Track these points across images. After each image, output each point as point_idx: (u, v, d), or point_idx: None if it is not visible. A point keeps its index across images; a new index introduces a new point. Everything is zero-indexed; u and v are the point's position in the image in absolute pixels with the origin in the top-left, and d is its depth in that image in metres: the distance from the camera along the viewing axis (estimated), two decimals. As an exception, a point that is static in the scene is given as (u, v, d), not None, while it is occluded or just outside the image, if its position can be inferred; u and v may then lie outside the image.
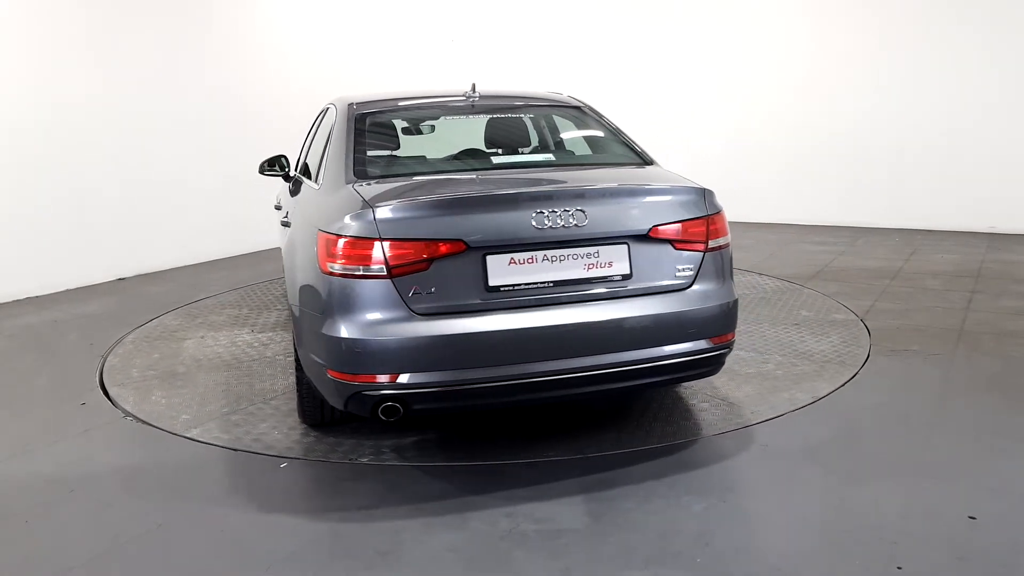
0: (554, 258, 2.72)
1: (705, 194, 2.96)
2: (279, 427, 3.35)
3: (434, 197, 2.73)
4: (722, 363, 3.03)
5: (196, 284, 6.24)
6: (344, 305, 2.62)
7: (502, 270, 2.66)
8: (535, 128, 4.12)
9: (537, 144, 4.04)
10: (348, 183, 3.00)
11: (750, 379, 3.77)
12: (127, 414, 3.54)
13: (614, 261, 2.78)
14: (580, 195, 2.79)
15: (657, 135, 9.76)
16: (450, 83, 6.70)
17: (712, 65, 9.36)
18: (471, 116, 3.74)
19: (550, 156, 3.83)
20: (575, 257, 2.74)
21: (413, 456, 3.03)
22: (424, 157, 3.57)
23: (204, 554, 2.38)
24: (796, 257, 6.97)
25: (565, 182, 3.07)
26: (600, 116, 3.80)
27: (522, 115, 4.04)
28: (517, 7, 10.33)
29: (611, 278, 2.77)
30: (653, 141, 10.03)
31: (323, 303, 2.68)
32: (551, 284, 2.71)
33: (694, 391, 3.62)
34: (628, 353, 2.75)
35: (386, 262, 2.58)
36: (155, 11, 6.75)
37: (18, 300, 5.79)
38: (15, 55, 5.77)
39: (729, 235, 3.02)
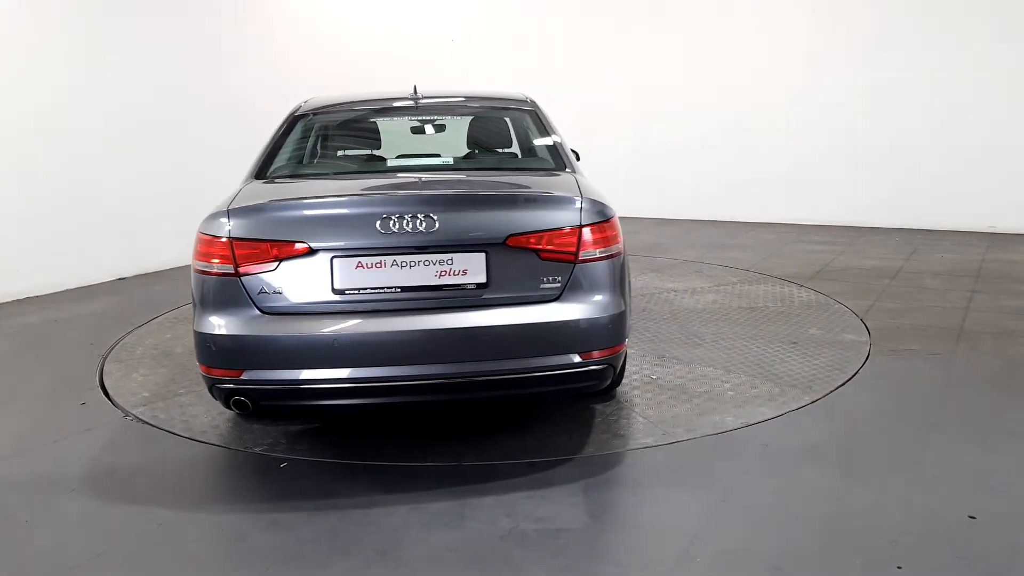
0: (404, 264, 2.70)
1: (582, 204, 2.82)
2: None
3: (282, 200, 2.84)
4: (606, 379, 2.90)
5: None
6: (202, 302, 2.75)
7: (349, 274, 2.68)
8: (466, 131, 4.04)
9: (457, 146, 3.98)
10: (244, 183, 3.17)
11: (692, 398, 3.51)
12: (127, 414, 3.54)
13: (469, 269, 2.71)
14: (429, 201, 2.76)
15: (658, 135, 9.77)
16: (443, 84, 6.69)
17: (712, 65, 9.36)
18: (409, 118, 3.85)
19: (450, 160, 3.75)
20: (426, 264, 2.70)
21: (412, 456, 3.03)
22: (334, 159, 3.62)
23: (204, 554, 2.38)
24: (796, 257, 6.97)
25: (428, 187, 3.07)
26: (540, 119, 3.71)
27: (458, 117, 4.01)
28: (517, 7, 10.33)
29: (464, 286, 2.71)
30: (654, 141, 10.06)
31: (192, 300, 2.82)
32: (399, 289, 2.69)
33: (624, 407, 3.42)
34: (485, 363, 2.68)
35: (234, 261, 2.68)
36: (159, 10, 6.75)
37: (18, 300, 5.79)
38: (15, 54, 5.77)
39: (615, 247, 2.86)
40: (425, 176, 3.35)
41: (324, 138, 3.84)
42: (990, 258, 6.79)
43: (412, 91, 3.76)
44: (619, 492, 2.77)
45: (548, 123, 3.71)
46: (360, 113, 3.97)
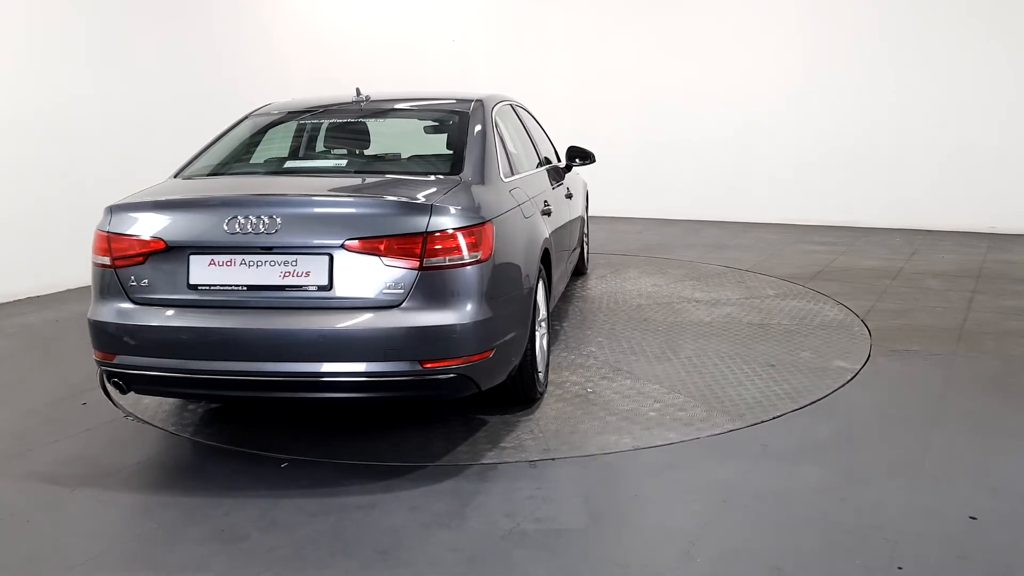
0: (251, 263, 2.79)
1: (431, 212, 2.78)
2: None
3: (149, 199, 3.00)
4: (460, 389, 2.86)
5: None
6: (93, 290, 3.02)
7: (203, 270, 2.81)
8: (390, 134, 4.05)
9: (365, 150, 3.98)
10: (164, 180, 3.41)
11: (608, 416, 3.34)
12: (128, 414, 3.54)
13: (312, 271, 2.75)
14: (271, 203, 2.83)
15: (659, 135, 9.77)
16: (441, 85, 6.67)
17: (714, 65, 9.35)
18: (347, 120, 3.93)
19: (341, 163, 3.76)
20: (272, 264, 2.77)
21: (411, 455, 3.03)
22: (246, 161, 3.69)
23: (204, 553, 2.38)
24: (797, 257, 6.97)
25: (272, 189, 3.16)
26: (468, 124, 3.59)
27: (397, 120, 4.01)
28: (518, 7, 10.32)
29: (306, 288, 2.76)
30: (655, 141, 10.06)
31: None
32: (245, 288, 2.78)
33: (526, 419, 3.29)
34: (325, 364, 2.72)
35: (111, 254, 2.92)
36: (159, 11, 6.75)
37: (19, 300, 5.80)
38: (15, 54, 5.77)
39: (470, 255, 2.80)
40: (309, 178, 3.48)
41: (253, 141, 3.88)
42: (991, 258, 6.79)
43: (355, 94, 3.89)
44: (620, 492, 2.77)
45: (477, 128, 3.56)
46: (300, 116, 4.02)
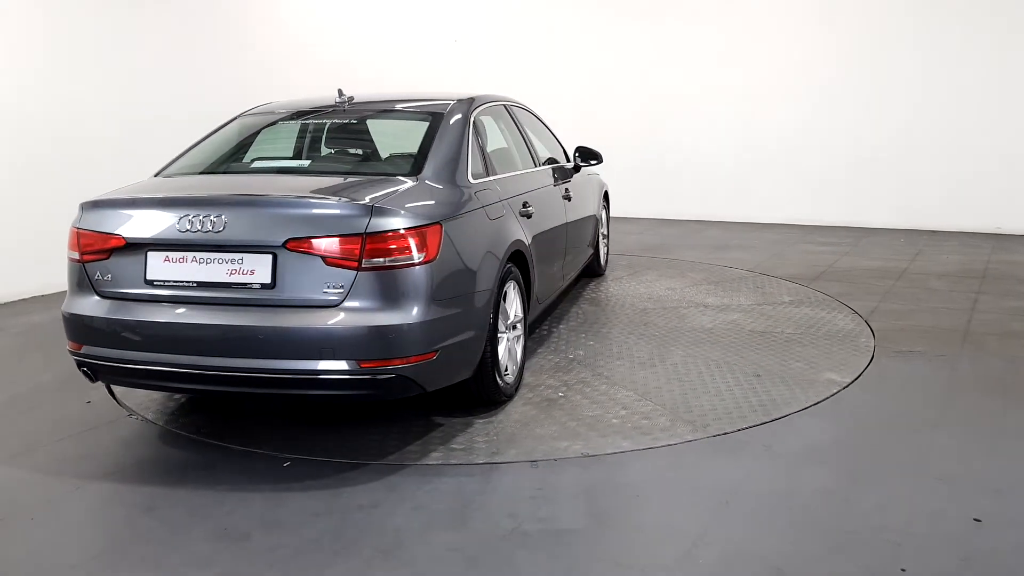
0: (202, 260, 2.88)
1: (372, 213, 2.79)
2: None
3: (111, 197, 3.11)
4: (395, 387, 2.86)
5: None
6: (68, 282, 3.15)
7: (158, 266, 2.93)
8: (365, 135, 4.04)
9: (335, 151, 3.99)
10: (145, 179, 3.55)
11: (570, 421, 3.29)
12: (132, 412, 3.55)
13: (256, 269, 2.82)
14: (216, 203, 2.90)
15: (663, 136, 9.76)
16: (439, 86, 6.66)
17: (716, 66, 9.34)
18: (324, 121, 3.99)
19: (304, 163, 3.79)
20: (220, 261, 2.86)
21: (414, 456, 3.03)
22: (218, 161, 3.72)
23: (207, 552, 2.39)
24: (800, 258, 6.95)
25: (219, 189, 3.23)
26: (437, 126, 3.57)
27: (367, 121, 4.01)
28: (522, 7, 10.32)
29: (250, 286, 2.83)
30: (659, 142, 10.04)
31: None
32: (196, 284, 2.88)
33: (485, 421, 3.28)
34: (268, 361, 2.77)
35: (80, 249, 3.06)
36: (162, 11, 6.77)
37: (24, 299, 5.82)
38: (21, 55, 5.79)
39: (411, 257, 2.81)
40: (268, 177, 3.56)
41: (233, 142, 3.90)
42: (995, 259, 6.77)
43: (338, 95, 3.96)
44: (622, 493, 2.77)
45: (447, 129, 3.55)
46: (282, 118, 4.05)
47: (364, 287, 2.77)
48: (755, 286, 5.84)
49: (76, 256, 3.08)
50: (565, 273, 4.83)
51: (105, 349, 2.97)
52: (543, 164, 4.78)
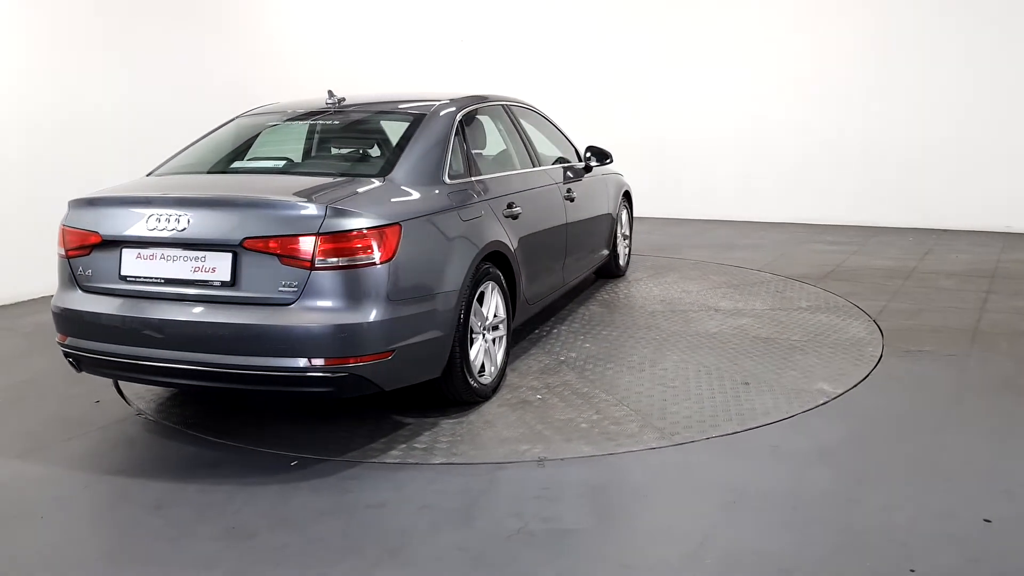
0: (169, 257, 2.99)
1: (325, 213, 2.83)
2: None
3: (94, 195, 3.22)
4: (349, 385, 2.88)
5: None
6: (57, 276, 3.28)
7: (132, 263, 3.05)
8: (348, 136, 4.10)
9: (315, 152, 4.01)
10: (137, 178, 3.67)
11: (539, 423, 3.27)
12: (140, 412, 3.57)
13: (217, 267, 2.92)
14: (180, 203, 3.00)
15: (669, 135, 9.74)
16: (446, 87, 6.66)
17: (722, 64, 9.31)
18: (312, 123, 4.04)
19: (280, 163, 3.80)
20: (185, 259, 2.97)
21: (420, 455, 3.03)
22: (204, 160, 3.78)
23: (214, 550, 2.40)
24: (808, 257, 6.92)
25: (183, 189, 3.28)
26: (415, 128, 3.58)
27: (352, 122, 4.05)
28: (527, 7, 10.32)
29: (211, 283, 2.93)
30: (666, 141, 10.02)
31: None
32: (163, 280, 2.99)
33: (457, 422, 3.29)
34: (228, 357, 2.86)
35: (64, 245, 3.20)
36: (167, 12, 6.80)
37: (33, 299, 5.85)
38: (27, 56, 5.83)
39: (365, 257, 2.84)
40: (238, 177, 3.64)
41: (223, 142, 3.93)
42: (1005, 258, 6.72)
43: (328, 96, 3.99)
44: (628, 493, 2.76)
45: (425, 130, 3.57)
46: (273, 119, 4.07)
47: (318, 286, 2.82)
48: (775, 290, 5.66)
49: (63, 252, 3.21)
50: (567, 275, 4.76)
51: (86, 341, 3.11)
52: (551, 164, 4.76)
